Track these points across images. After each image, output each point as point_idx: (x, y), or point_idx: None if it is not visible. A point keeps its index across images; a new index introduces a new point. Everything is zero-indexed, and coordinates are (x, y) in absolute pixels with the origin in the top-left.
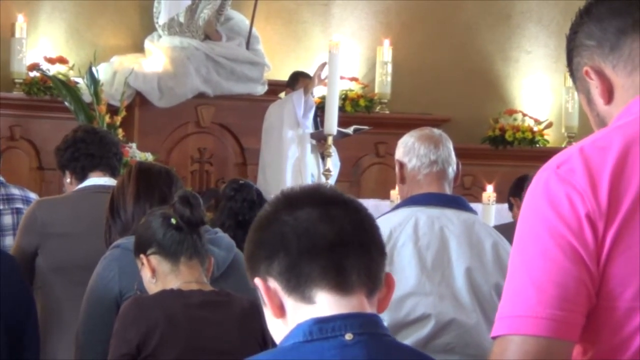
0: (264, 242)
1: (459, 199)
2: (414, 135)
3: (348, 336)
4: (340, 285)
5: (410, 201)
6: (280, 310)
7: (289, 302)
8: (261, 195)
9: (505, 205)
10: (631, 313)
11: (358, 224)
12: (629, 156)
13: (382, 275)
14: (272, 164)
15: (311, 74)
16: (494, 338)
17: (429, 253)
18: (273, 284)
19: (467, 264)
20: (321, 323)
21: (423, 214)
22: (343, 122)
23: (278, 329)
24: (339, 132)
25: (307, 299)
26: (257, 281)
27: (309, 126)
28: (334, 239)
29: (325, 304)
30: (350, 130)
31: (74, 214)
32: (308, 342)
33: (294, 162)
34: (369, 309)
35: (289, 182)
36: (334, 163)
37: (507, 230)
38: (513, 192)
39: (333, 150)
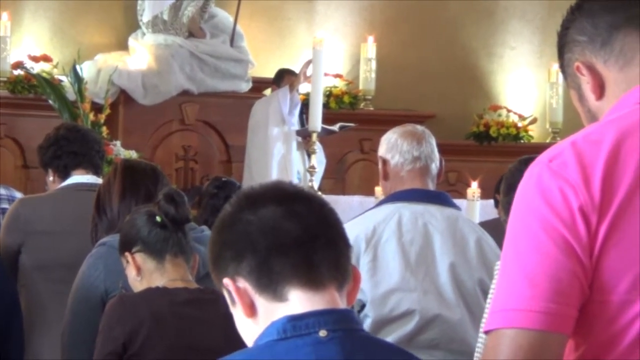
0: (229, 242)
1: (443, 194)
2: (397, 132)
3: (322, 333)
4: (312, 281)
5: (394, 197)
6: (251, 310)
7: (260, 300)
8: None
9: (490, 202)
10: (624, 306)
11: (323, 218)
12: (622, 149)
13: (350, 268)
14: (258, 161)
15: (296, 71)
16: (486, 332)
17: (413, 249)
18: (243, 283)
19: (451, 260)
20: (295, 320)
21: (407, 210)
22: (327, 118)
23: (248, 328)
24: (324, 129)
25: (280, 296)
26: (227, 281)
27: (294, 123)
28: (301, 235)
29: (298, 301)
30: (336, 127)
31: (57, 212)
32: (282, 340)
33: (280, 159)
34: (341, 303)
35: (275, 179)
36: (319, 160)
37: (493, 228)
38: (498, 189)
39: (318, 147)
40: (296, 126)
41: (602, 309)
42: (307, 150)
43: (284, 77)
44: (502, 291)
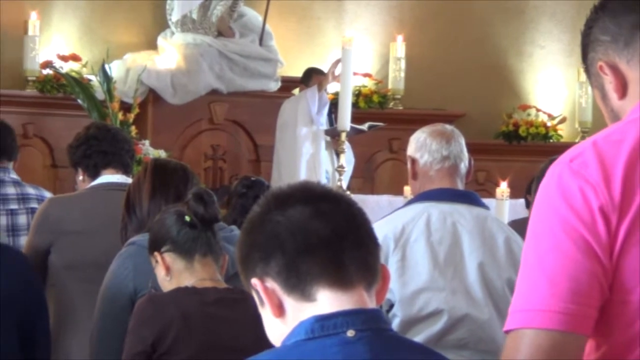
0: (258, 243)
1: (471, 194)
2: (426, 131)
3: (350, 333)
4: (340, 280)
5: (423, 197)
6: (279, 310)
7: (288, 301)
8: None
9: (520, 201)
10: None
11: (351, 218)
12: None
13: (379, 267)
14: (286, 160)
15: (325, 70)
16: (506, 332)
17: (442, 248)
18: (271, 283)
19: (480, 259)
20: (323, 320)
21: (435, 209)
22: (356, 118)
23: (277, 328)
24: (353, 128)
25: (308, 296)
26: (255, 281)
27: (323, 123)
28: (329, 234)
29: (326, 300)
30: (364, 126)
31: (86, 212)
32: (310, 339)
33: (309, 159)
34: (369, 303)
35: (304, 178)
36: (347, 159)
37: (520, 226)
38: (530, 190)
39: (347, 146)
40: (325, 126)
41: (623, 309)
42: (335, 149)
43: (312, 77)
44: (522, 291)
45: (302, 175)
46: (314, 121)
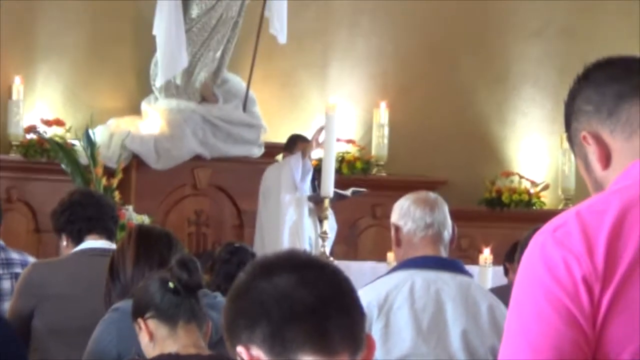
0: (243, 310)
1: (455, 262)
2: (410, 199)
3: None
4: (325, 349)
5: (406, 264)
6: None
7: None
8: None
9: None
10: None
11: (336, 287)
12: (626, 220)
13: (364, 337)
14: (269, 227)
15: (308, 136)
16: None
17: (425, 316)
18: (256, 351)
19: (463, 327)
20: None
21: (419, 277)
22: (340, 184)
23: None
24: (336, 194)
25: None
26: (240, 349)
27: (306, 190)
28: (314, 303)
29: None
30: (348, 192)
31: (70, 277)
32: None
33: (292, 225)
34: None
35: (287, 245)
36: (330, 226)
37: (502, 293)
38: (508, 257)
39: (330, 212)
40: (308, 192)
41: None
42: (319, 216)
43: (297, 143)
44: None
45: (285, 241)
46: (297, 188)
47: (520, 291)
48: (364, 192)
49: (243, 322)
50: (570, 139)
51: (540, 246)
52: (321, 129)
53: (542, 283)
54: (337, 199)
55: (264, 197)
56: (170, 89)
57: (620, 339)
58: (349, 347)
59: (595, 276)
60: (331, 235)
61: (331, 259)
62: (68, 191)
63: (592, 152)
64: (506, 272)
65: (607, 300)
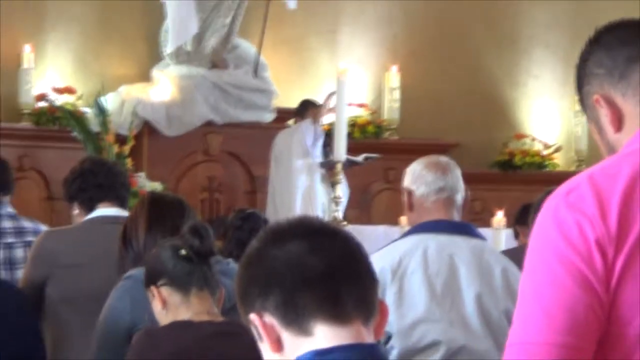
0: (256, 278)
1: (468, 225)
2: (422, 163)
3: None
4: (338, 315)
5: (419, 228)
6: (278, 345)
7: (286, 335)
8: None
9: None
10: None
11: (348, 253)
12: (638, 182)
13: (377, 302)
14: (281, 193)
15: (320, 101)
16: None
17: (439, 280)
18: (269, 318)
19: (477, 290)
20: (320, 355)
21: (432, 241)
22: (352, 148)
23: None
24: (349, 160)
25: (305, 331)
26: (253, 317)
27: (318, 155)
28: (326, 269)
29: (324, 335)
30: (360, 158)
31: (82, 245)
32: None
33: (304, 191)
34: (367, 337)
35: (299, 211)
36: (342, 191)
37: (515, 255)
38: (518, 220)
39: (342, 177)
40: (319, 158)
41: (620, 341)
42: (331, 181)
43: (308, 109)
44: (519, 324)
45: (298, 207)
46: (309, 153)
47: (534, 255)
48: (376, 157)
49: (255, 290)
50: (582, 102)
51: (553, 210)
52: (332, 94)
53: (555, 246)
54: (350, 165)
55: (276, 162)
56: (180, 56)
57: (633, 303)
58: (361, 313)
59: (608, 239)
60: (343, 201)
61: (344, 223)
62: (79, 159)
63: (605, 115)
64: (516, 235)
65: (621, 263)
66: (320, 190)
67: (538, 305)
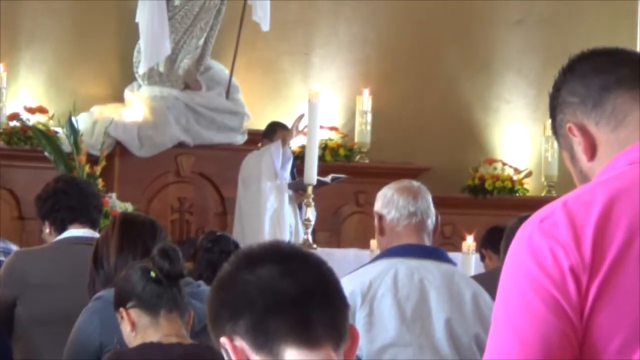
0: (227, 302)
1: (439, 250)
2: (393, 187)
3: None
4: (308, 340)
5: (390, 252)
6: None
7: (256, 359)
8: (238, 246)
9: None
10: None
11: (320, 277)
12: (613, 211)
13: (347, 327)
14: (249, 215)
15: (290, 124)
16: None
17: (409, 304)
18: (240, 342)
19: (447, 315)
20: None
21: (402, 265)
22: (323, 171)
23: None
24: (317, 180)
25: (275, 355)
26: (224, 340)
27: (286, 177)
28: (298, 294)
29: (294, 359)
30: (328, 179)
31: (53, 265)
32: None
33: (272, 213)
34: None
35: (267, 233)
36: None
37: (484, 280)
38: (484, 243)
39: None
40: (288, 180)
41: None
42: (298, 203)
43: (276, 131)
44: (492, 350)
45: (266, 229)
46: (278, 176)
47: (507, 282)
48: (343, 178)
49: (226, 314)
50: (555, 130)
51: (527, 237)
52: (301, 116)
53: (529, 273)
54: (318, 185)
55: (244, 184)
56: (153, 77)
57: (607, 330)
58: (332, 339)
59: (582, 266)
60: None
61: (314, 246)
62: (54, 177)
63: (578, 143)
64: (482, 258)
65: (595, 290)
66: (288, 212)
67: (511, 332)
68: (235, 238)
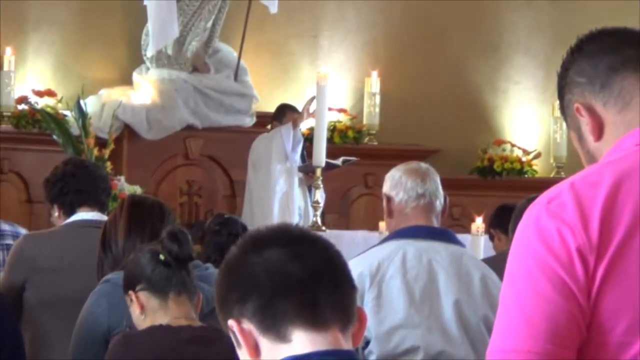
0: (235, 284)
1: (447, 231)
2: (401, 169)
3: None
4: (315, 322)
5: (398, 234)
6: (256, 351)
7: (264, 341)
8: (246, 229)
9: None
10: (622, 348)
11: (327, 260)
12: (620, 191)
13: (355, 309)
14: (259, 197)
15: (299, 106)
16: None
17: (417, 285)
18: (247, 324)
19: (456, 296)
20: None
21: (411, 247)
22: (331, 153)
23: None
24: (327, 163)
25: (283, 337)
26: (231, 323)
27: (297, 160)
28: (305, 276)
29: (301, 341)
30: (338, 161)
31: (61, 249)
32: None
33: (282, 196)
34: (345, 344)
35: (277, 216)
36: (320, 195)
37: (494, 263)
38: (493, 224)
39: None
40: (298, 163)
41: (600, 350)
42: (308, 185)
43: (286, 113)
44: (500, 331)
45: (275, 212)
46: (288, 158)
47: (515, 263)
48: (354, 160)
49: (234, 296)
50: (563, 110)
51: (534, 218)
52: (312, 99)
53: (536, 254)
54: (328, 168)
55: (254, 167)
56: (161, 59)
57: (614, 311)
58: (340, 321)
59: (589, 247)
60: (321, 205)
61: (323, 228)
62: (62, 160)
63: (586, 123)
64: (491, 238)
65: (602, 271)
66: (298, 195)
67: (519, 313)
68: (244, 220)
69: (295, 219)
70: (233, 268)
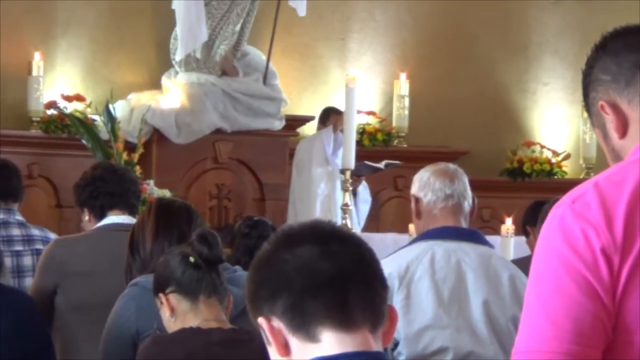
0: (265, 281)
1: (476, 232)
2: (429, 170)
3: None
4: (345, 322)
5: (427, 235)
6: (285, 349)
7: (293, 340)
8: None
9: (525, 238)
10: None
11: (359, 259)
12: None
13: (385, 309)
14: (301, 200)
15: (342, 109)
16: None
17: (446, 286)
18: (277, 323)
19: (484, 297)
20: None
21: (440, 248)
22: (361, 156)
23: None
24: (370, 166)
25: (312, 337)
26: (261, 320)
27: (338, 164)
28: (336, 275)
29: (330, 342)
30: (381, 164)
31: (92, 253)
32: None
33: (323, 199)
34: (374, 344)
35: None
36: (364, 199)
37: (524, 264)
38: (529, 220)
39: (364, 185)
40: (340, 166)
41: (626, 350)
42: (353, 189)
43: (330, 116)
44: (525, 332)
45: (317, 215)
46: (329, 161)
47: (539, 263)
48: (397, 164)
49: (265, 293)
50: (588, 108)
51: (559, 218)
52: None
53: (560, 254)
54: (371, 171)
55: (297, 169)
56: (190, 63)
57: (639, 311)
58: (369, 321)
59: (614, 247)
60: (365, 209)
61: (353, 230)
62: (92, 164)
63: (610, 121)
64: (527, 234)
65: (627, 271)
66: (340, 198)
67: (544, 314)
68: (289, 222)
69: (338, 222)
70: (264, 264)
